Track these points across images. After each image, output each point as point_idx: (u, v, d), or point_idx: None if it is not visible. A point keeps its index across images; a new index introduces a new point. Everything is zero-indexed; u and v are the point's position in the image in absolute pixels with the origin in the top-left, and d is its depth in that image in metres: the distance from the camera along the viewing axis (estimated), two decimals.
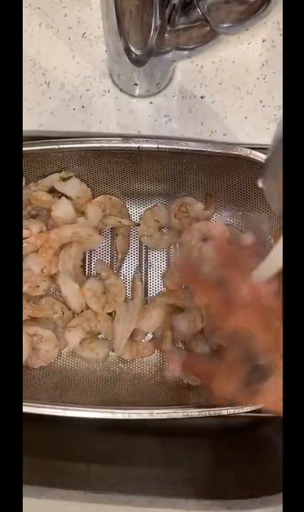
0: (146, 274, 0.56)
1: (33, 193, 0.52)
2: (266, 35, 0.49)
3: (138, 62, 0.40)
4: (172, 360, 0.41)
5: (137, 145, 0.48)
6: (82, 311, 0.53)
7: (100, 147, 0.48)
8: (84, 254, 0.55)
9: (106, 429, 0.49)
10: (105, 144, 0.48)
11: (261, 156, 0.48)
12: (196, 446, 0.50)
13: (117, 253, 0.56)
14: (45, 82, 0.49)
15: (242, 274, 0.34)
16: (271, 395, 0.33)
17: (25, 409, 0.45)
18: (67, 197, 0.52)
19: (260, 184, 0.29)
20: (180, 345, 0.53)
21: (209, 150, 0.48)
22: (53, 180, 0.52)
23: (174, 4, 0.33)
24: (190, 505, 0.42)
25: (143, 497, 0.42)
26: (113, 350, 0.53)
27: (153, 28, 0.34)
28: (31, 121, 0.48)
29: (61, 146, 0.48)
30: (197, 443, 0.51)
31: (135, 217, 0.57)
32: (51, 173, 0.52)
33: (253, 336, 0.33)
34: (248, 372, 0.33)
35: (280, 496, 0.42)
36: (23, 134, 0.48)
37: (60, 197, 0.52)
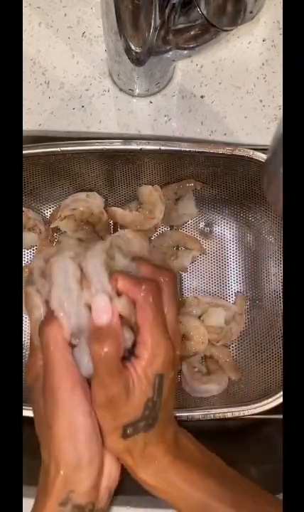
0: None
1: None
2: (266, 35, 0.49)
3: (137, 61, 0.40)
4: None
5: (139, 147, 0.48)
6: None
7: (102, 149, 0.48)
8: None
9: None
10: (107, 146, 0.48)
11: (263, 157, 0.47)
12: None
13: None
14: (45, 82, 0.49)
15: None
16: None
17: (26, 413, 0.42)
18: None
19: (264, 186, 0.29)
20: None
21: (211, 151, 0.47)
22: None
23: (174, 4, 0.33)
24: None
25: (143, 497, 0.42)
26: None
27: (152, 27, 0.34)
28: (31, 121, 0.48)
29: (63, 149, 0.48)
30: None
31: None
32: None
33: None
34: None
35: (280, 497, 0.42)
36: (23, 134, 0.48)
37: None
